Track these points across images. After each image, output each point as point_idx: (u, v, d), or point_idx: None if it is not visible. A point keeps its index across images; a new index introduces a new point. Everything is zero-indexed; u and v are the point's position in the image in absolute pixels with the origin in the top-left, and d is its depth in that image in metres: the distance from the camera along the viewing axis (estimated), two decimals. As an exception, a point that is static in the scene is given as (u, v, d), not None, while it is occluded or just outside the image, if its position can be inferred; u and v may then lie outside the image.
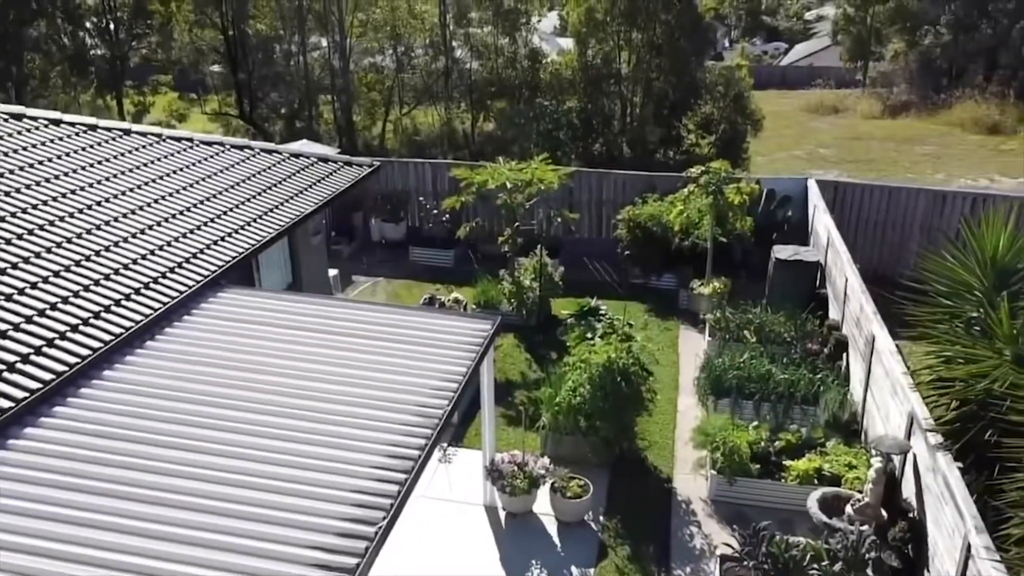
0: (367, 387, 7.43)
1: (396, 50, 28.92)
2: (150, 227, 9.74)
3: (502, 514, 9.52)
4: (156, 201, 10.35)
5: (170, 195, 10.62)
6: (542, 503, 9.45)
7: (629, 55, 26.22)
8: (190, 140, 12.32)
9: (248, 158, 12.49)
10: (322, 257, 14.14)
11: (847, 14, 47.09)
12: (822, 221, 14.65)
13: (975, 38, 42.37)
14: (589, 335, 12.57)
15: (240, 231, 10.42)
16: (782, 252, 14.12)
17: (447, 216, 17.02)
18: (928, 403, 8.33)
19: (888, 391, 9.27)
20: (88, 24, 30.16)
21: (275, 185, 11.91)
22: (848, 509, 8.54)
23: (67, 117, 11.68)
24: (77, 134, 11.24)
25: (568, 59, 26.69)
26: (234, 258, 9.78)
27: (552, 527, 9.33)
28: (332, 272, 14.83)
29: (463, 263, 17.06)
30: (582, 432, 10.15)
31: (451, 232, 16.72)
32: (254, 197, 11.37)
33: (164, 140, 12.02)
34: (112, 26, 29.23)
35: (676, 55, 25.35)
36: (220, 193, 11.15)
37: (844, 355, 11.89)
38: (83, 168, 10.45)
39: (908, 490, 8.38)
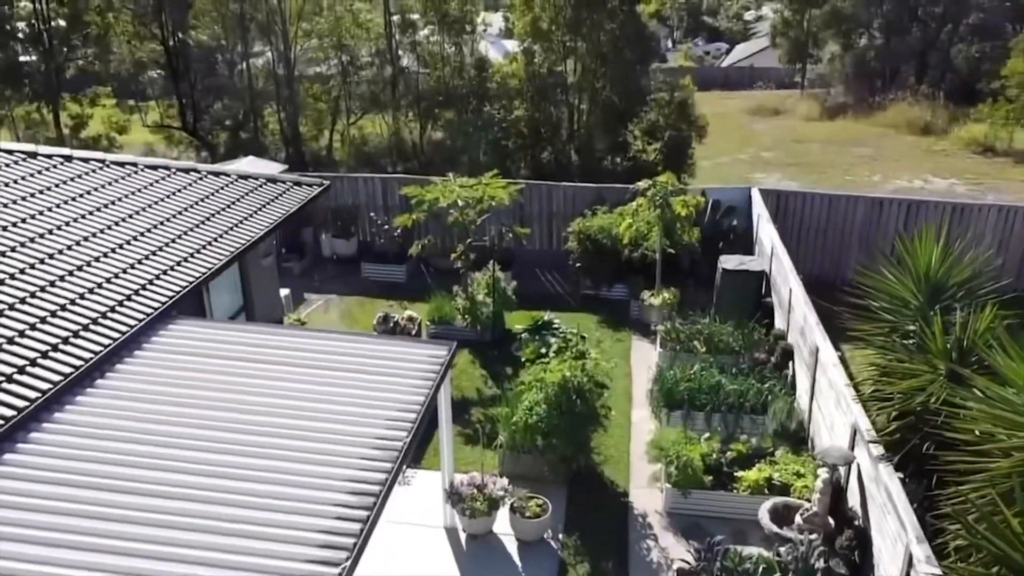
0: (324, 420, 7.45)
1: (342, 59, 28.70)
2: (96, 259, 9.57)
3: (462, 536, 9.60)
4: (102, 231, 10.17)
5: (116, 224, 10.44)
6: (502, 523, 9.56)
7: (575, 64, 26.49)
8: (135, 165, 12.11)
9: (195, 182, 12.33)
10: (273, 278, 14.02)
11: (784, 18, 48.24)
12: (766, 230, 15.06)
13: (906, 41, 43.84)
14: (544, 350, 12.77)
15: (190, 259, 10.31)
16: (728, 262, 14.46)
17: (399, 231, 17.00)
18: (870, 414, 8.68)
19: (832, 401, 9.62)
20: (20, 35, 29.23)
21: (224, 209, 11.79)
22: (797, 519, 8.85)
23: (3, 144, 11.40)
24: (16, 162, 10.97)
25: (515, 68, 26.84)
26: (184, 288, 9.68)
27: (512, 547, 9.44)
28: (283, 292, 14.73)
29: (416, 278, 17.09)
30: (539, 450, 10.28)
31: (403, 247, 16.70)
32: (203, 223, 11.25)
33: (108, 166, 11.80)
34: (46, 36, 28.37)
35: (621, 64, 25.69)
36: (168, 220, 11.01)
37: (790, 364, 12.27)
38: (22, 199, 10.22)
39: (854, 499, 8.72)
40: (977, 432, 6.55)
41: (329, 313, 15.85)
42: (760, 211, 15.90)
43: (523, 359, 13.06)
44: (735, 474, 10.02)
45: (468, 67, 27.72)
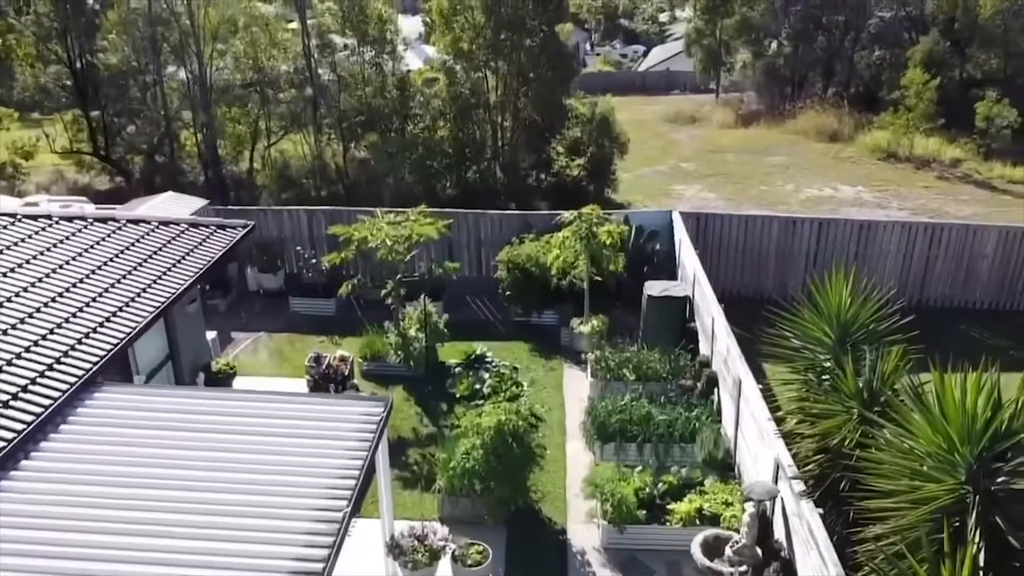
0: (261, 492, 7.42)
1: (259, 80, 28.16)
2: (13, 326, 9.26)
3: (405, 586, 9.66)
4: (17, 295, 9.84)
5: (33, 285, 10.12)
6: (444, 572, 9.67)
7: (497, 83, 26.72)
8: (48, 218, 11.73)
9: (114, 232, 12.03)
10: (199, 323, 13.78)
11: (697, 27, 49.58)
12: (688, 255, 15.56)
13: (812, 48, 45.66)
14: (478, 386, 12.94)
15: (113, 317, 10.07)
16: (653, 288, 14.89)
17: (327, 264, 16.86)
18: (792, 447, 9.14)
19: (756, 434, 10.07)
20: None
21: (146, 260, 11.54)
22: (728, 551, 9.23)
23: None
24: (-80, 223, 10.51)
25: (437, 89, 26.89)
26: (109, 351, 9.46)
27: (455, 595, 9.56)
28: (210, 335, 14.46)
29: (346, 310, 16.97)
30: (477, 494, 10.43)
31: (332, 279, 16.60)
32: (125, 276, 10.99)
33: (20, 220, 11.41)
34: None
35: (542, 83, 26.05)
36: (89, 276, 10.72)
37: (716, 390, 12.73)
38: (-69, 264, 9.81)
39: (780, 531, 9.16)
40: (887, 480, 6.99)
41: (258, 353, 15.63)
42: (681, 235, 16.42)
43: (457, 395, 13.25)
44: (667, 507, 10.38)
45: (390, 87, 27.62)
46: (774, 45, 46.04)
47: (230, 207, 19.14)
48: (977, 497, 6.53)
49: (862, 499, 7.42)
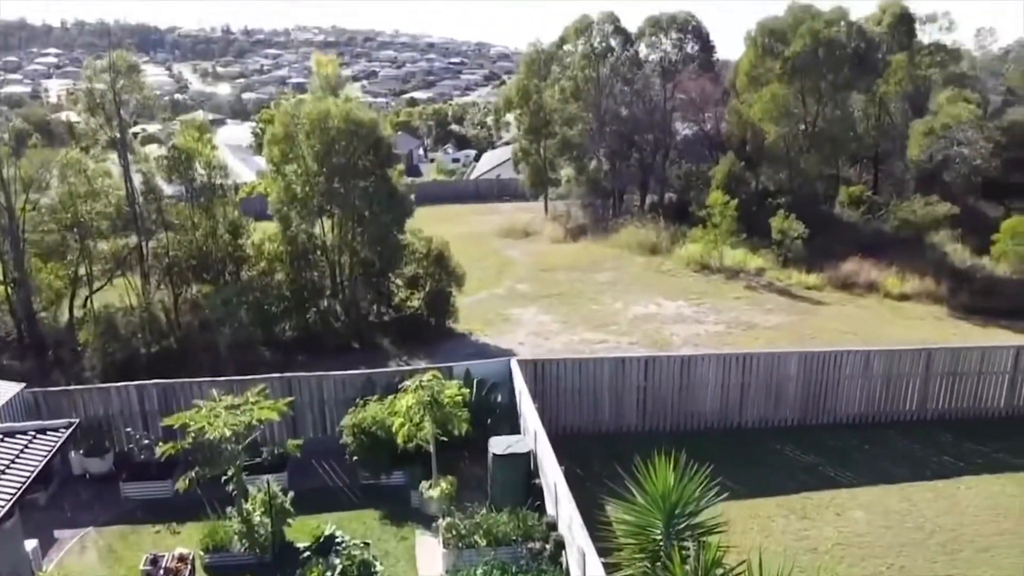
0: None
1: (78, 229, 26.89)
2: None
3: None
4: None
5: None
6: None
7: (332, 226, 27.08)
8: None
9: (-85, 458, 11.08)
10: (16, 538, 12.72)
11: (523, 147, 52.64)
12: (528, 408, 16.26)
13: (628, 165, 49.67)
14: (328, 574, 12.75)
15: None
16: (497, 446, 15.38)
17: (160, 443, 16.14)
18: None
19: (602, 609, 10.55)
20: None
21: (-46, 490, 10.69)
22: None
23: None
24: None
25: (272, 233, 26.88)
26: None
27: None
28: (30, 545, 13.36)
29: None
30: None
31: (167, 457, 15.83)
32: (-71, 515, 10.12)
33: None
34: None
35: (376, 224, 26.67)
36: None
37: (563, 553, 13.22)
38: None
39: None
40: None
41: (86, 554, 14.54)
42: (521, 386, 17.16)
43: (307, 587, 12.94)
44: None
45: (222, 231, 27.26)
46: (594, 162, 49.63)
47: (49, 389, 17.95)
48: None
49: None
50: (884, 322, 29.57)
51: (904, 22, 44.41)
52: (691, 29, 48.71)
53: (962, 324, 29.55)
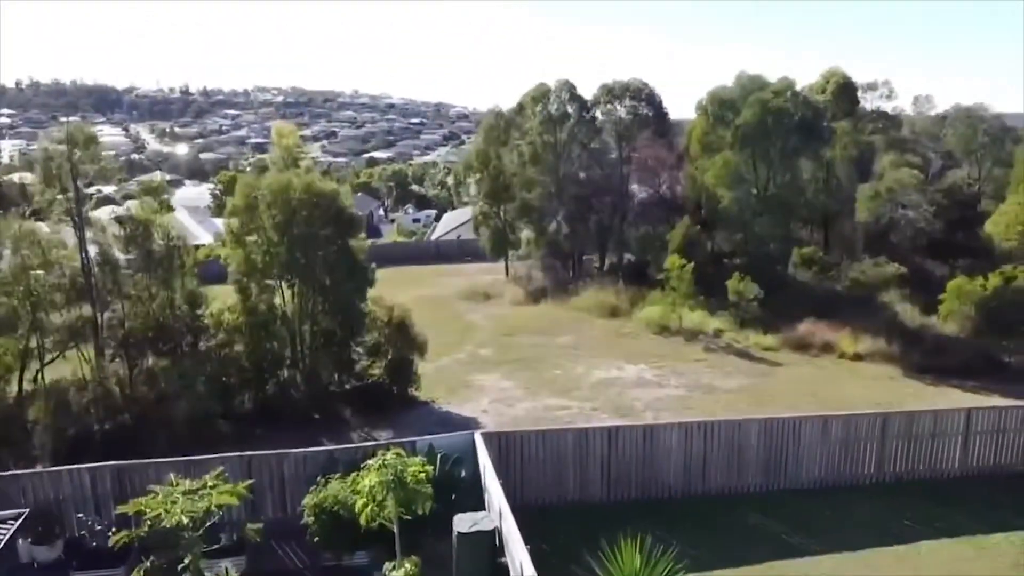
0: None
1: (30, 302, 26.28)
2: None
3: None
4: None
5: None
6: None
7: (293, 296, 26.94)
8: None
9: None
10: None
11: (483, 210, 53.20)
12: (492, 483, 16.16)
13: (587, 228, 50.44)
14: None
15: None
16: (462, 524, 15.20)
17: (113, 529, 15.63)
18: None
19: None
20: None
21: None
22: None
23: None
24: None
25: (231, 304, 26.62)
26: None
27: None
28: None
29: (137, 577, 15.63)
30: None
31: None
32: None
33: None
34: None
35: (338, 293, 26.61)
36: None
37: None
38: None
39: None
40: None
41: (32, 653, 13.91)
42: (484, 461, 17.07)
43: None
44: None
45: (180, 302, 26.89)
46: (553, 224, 50.31)
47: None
48: None
49: None
50: (841, 383, 30.14)
51: (846, 90, 46.42)
52: (644, 96, 50.19)
53: (915, 383, 30.24)
